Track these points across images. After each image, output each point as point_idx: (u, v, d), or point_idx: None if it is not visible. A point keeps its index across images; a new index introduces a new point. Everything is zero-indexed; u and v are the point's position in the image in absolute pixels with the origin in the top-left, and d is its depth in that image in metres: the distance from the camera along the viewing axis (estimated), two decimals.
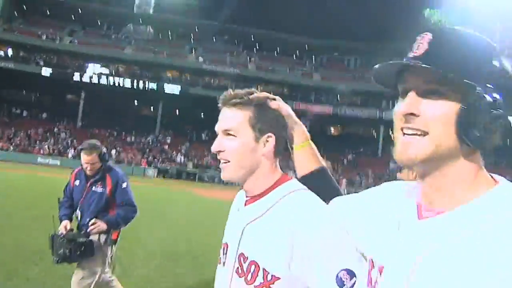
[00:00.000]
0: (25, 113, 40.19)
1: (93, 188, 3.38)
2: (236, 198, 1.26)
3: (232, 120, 1.11)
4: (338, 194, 1.17)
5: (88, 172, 3.37)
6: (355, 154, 41.82)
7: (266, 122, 1.12)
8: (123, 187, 3.41)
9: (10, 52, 38.59)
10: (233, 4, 40.31)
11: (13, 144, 34.48)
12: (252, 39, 45.17)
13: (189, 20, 43.43)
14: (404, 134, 0.74)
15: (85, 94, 39.65)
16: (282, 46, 45.87)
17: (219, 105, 1.15)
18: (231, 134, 1.11)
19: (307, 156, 1.21)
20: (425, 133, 0.72)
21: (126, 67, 40.53)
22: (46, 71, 38.06)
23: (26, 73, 37.54)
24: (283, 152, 1.19)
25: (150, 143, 39.43)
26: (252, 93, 1.14)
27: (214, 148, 1.13)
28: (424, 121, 0.72)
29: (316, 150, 1.25)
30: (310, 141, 1.24)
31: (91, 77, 38.74)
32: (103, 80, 38.90)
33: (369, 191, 1.01)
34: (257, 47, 45.66)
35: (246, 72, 41.61)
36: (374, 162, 39.75)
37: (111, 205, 3.41)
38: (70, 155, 32.94)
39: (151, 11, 43.68)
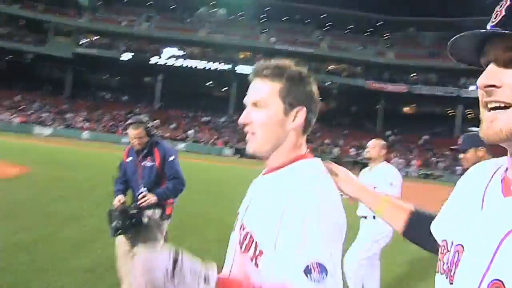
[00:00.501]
0: (108, 96, 44.60)
1: (143, 163, 3.61)
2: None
3: (261, 91, 1.12)
4: None
5: (136, 146, 3.60)
6: (430, 134, 42.44)
7: (297, 95, 1.12)
8: (170, 160, 3.60)
9: (95, 39, 42.78)
10: None
11: (100, 125, 38.67)
12: (324, 18, 46.63)
13: (260, 1, 45.60)
14: (489, 109, 0.71)
15: (162, 76, 43.31)
16: (355, 24, 47.04)
17: (250, 77, 1.17)
18: (259, 106, 1.12)
19: (391, 214, 1.23)
20: (510, 105, 0.69)
21: (200, 49, 43.53)
22: (126, 56, 41.97)
23: (109, 58, 41.69)
24: (310, 131, 1.18)
25: (225, 123, 42.46)
26: (285, 65, 1.15)
27: (241, 120, 1.15)
28: (507, 92, 0.69)
29: (394, 199, 1.27)
30: (385, 197, 1.27)
31: (167, 60, 42.15)
32: (179, 63, 42.17)
33: (460, 179, 0.94)
34: (329, 26, 47.10)
35: (319, 51, 43.35)
36: (451, 143, 40.23)
37: (162, 178, 3.62)
38: None
39: None
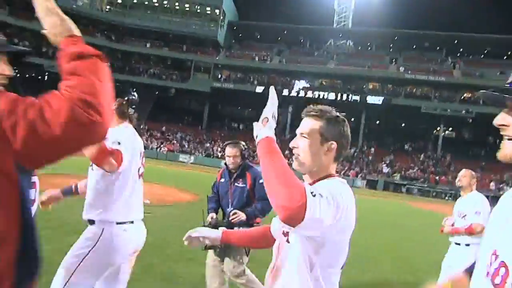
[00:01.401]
0: (241, 126, 51.67)
1: (235, 184, 4.26)
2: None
3: (307, 126, 1.75)
4: None
5: (230, 166, 4.27)
6: None
7: (332, 132, 1.73)
8: (260, 182, 4.10)
9: (230, 74, 50.50)
10: (428, 10, 45.53)
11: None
12: (456, 43, 49.23)
13: (387, 30, 49.98)
14: (503, 138, 1.20)
15: (292, 107, 49.10)
16: (491, 48, 48.81)
17: (302, 114, 1.81)
18: (304, 136, 1.74)
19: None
20: None
21: (330, 81, 48.76)
22: (259, 89, 48.68)
23: (242, 92, 48.73)
24: (342, 161, 1.82)
25: (354, 154, 46.55)
26: (326, 110, 1.77)
27: (291, 144, 1.77)
28: None
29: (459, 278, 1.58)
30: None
31: (298, 92, 47.92)
32: (309, 94, 47.66)
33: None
34: (462, 52, 49.50)
35: (451, 79, 45.91)
36: None
37: (251, 199, 4.23)
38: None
39: (349, 26, 51.65)
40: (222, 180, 4.41)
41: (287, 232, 1.73)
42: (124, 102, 3.12)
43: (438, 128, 48.36)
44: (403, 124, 49.66)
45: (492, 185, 39.14)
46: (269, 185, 1.49)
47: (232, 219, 4.13)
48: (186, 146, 46.29)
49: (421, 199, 34.81)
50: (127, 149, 2.91)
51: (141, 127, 48.17)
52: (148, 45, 51.17)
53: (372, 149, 47.44)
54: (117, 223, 2.94)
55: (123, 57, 51.13)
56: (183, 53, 51.43)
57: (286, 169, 1.50)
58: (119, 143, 2.83)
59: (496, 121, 1.24)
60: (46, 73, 47.23)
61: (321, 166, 1.75)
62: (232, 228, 3.91)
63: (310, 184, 1.68)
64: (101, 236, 2.90)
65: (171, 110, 52.37)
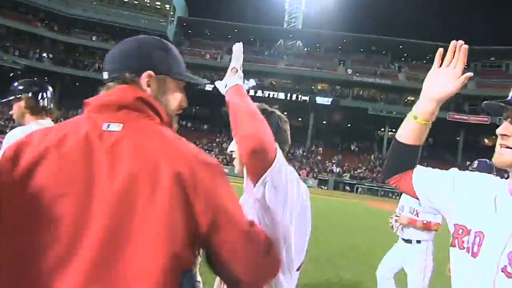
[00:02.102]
0: (189, 124, 51.17)
1: None
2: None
3: None
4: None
5: None
6: None
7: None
8: None
9: None
10: (376, 15, 47.34)
11: None
12: (400, 48, 51.47)
13: (336, 33, 51.36)
14: (500, 146, 1.34)
15: None
16: (432, 54, 51.03)
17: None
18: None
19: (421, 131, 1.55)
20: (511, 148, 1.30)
21: (279, 81, 49.41)
22: (209, 87, 48.42)
23: (192, 90, 48.24)
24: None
25: (303, 154, 47.50)
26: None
27: (228, 149, 1.81)
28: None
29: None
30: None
31: (247, 91, 48.05)
32: (259, 93, 48.01)
33: (462, 174, 1.51)
34: (406, 57, 51.86)
35: (397, 82, 47.98)
36: None
37: None
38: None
39: (300, 27, 52.54)
40: None
41: None
42: (30, 96, 3.04)
43: (383, 129, 50.25)
44: (349, 125, 51.13)
45: None
46: (240, 119, 1.38)
47: None
48: None
49: (371, 198, 36.15)
50: None
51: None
52: (94, 38, 49.33)
53: (320, 149, 48.54)
54: None
55: (66, 50, 49.06)
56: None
57: (258, 112, 1.41)
58: None
59: (499, 131, 1.35)
60: None
61: None
62: None
63: None
64: None
65: None
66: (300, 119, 52.58)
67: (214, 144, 48.20)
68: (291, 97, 47.67)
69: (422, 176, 1.56)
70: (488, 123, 46.28)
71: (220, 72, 50.33)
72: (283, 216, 1.39)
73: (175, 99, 1.37)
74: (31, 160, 1.06)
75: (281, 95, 47.84)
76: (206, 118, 53.24)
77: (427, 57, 52.96)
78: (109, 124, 1.12)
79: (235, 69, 1.61)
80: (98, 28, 49.84)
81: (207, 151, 47.00)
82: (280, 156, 1.34)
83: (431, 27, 49.98)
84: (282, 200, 1.38)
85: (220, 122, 51.32)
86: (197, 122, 52.56)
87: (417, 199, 1.56)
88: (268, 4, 56.88)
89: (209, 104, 52.52)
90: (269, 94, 48.37)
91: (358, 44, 52.53)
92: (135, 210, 1.00)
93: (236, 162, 1.74)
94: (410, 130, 1.58)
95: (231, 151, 1.75)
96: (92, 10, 49.01)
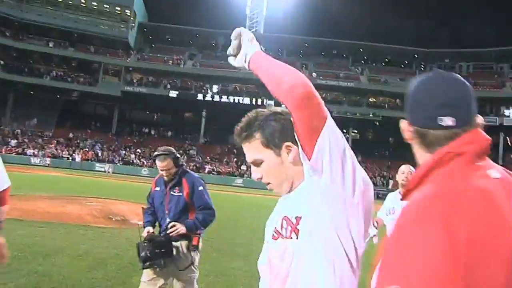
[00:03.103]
0: (152, 132, 50.66)
1: (172, 192, 3.96)
2: None
3: (251, 154, 1.49)
4: None
5: (165, 178, 3.98)
6: None
7: (275, 136, 1.45)
8: (199, 189, 3.96)
9: (143, 79, 49.39)
10: (338, 19, 48.87)
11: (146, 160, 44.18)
12: (361, 51, 53.27)
13: (298, 37, 52.50)
14: None
15: (206, 112, 49.33)
16: (391, 57, 53.56)
17: (237, 142, 1.53)
18: (258, 163, 1.48)
19: None
20: None
21: (243, 86, 49.82)
22: (172, 93, 48.26)
23: (154, 96, 47.91)
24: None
25: None
26: (250, 122, 1.49)
27: (253, 177, 1.53)
28: None
29: None
30: None
31: (212, 97, 48.29)
32: (224, 99, 48.25)
33: None
34: (366, 59, 53.73)
35: (360, 85, 49.54)
36: None
37: (190, 209, 3.96)
38: (206, 171, 41.94)
39: (261, 31, 53.24)
40: (157, 189, 4.08)
41: (291, 230, 1.39)
42: None
43: (345, 131, 51.54)
44: None
45: (391, 183, 43.20)
46: (278, 77, 1.33)
47: (170, 232, 3.79)
48: (100, 154, 44.16)
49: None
50: None
51: (45, 134, 45.17)
52: (51, 44, 47.97)
53: None
54: None
55: (20, 56, 47.38)
56: (91, 54, 49.10)
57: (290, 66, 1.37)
58: None
59: None
60: None
61: (298, 173, 1.43)
62: (170, 243, 3.78)
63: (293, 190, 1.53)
64: None
65: (77, 116, 49.73)
66: None
67: (181, 151, 47.87)
68: (256, 101, 48.13)
69: None
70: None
71: (183, 78, 50.30)
72: (343, 190, 1.31)
73: None
74: None
75: (247, 100, 48.23)
76: (169, 124, 52.90)
77: (386, 60, 55.11)
78: (492, 171, 1.10)
79: (251, 37, 1.57)
80: (54, 34, 48.50)
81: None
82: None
83: (388, 30, 51.90)
84: (346, 170, 1.30)
85: (183, 128, 51.15)
86: (160, 129, 52.09)
87: None
88: (229, 9, 57.38)
89: (171, 111, 52.34)
90: (234, 100, 48.67)
91: (320, 48, 53.89)
92: None
93: (270, 187, 1.51)
94: None
95: (267, 183, 1.51)
96: (47, 15, 47.73)
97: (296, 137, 1.36)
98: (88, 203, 12.94)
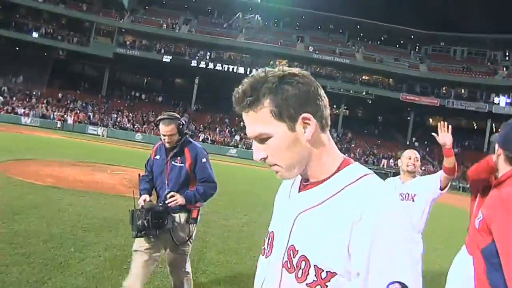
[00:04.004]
0: (143, 96, 50.22)
1: (173, 162, 3.77)
2: (284, 182, 1.30)
3: (255, 126, 1.11)
4: None
5: (166, 145, 3.76)
6: (460, 147, 48.68)
7: (291, 105, 1.09)
8: (202, 161, 3.79)
9: (136, 42, 48.53)
10: None
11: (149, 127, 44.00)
12: (358, 28, 53.28)
13: (295, 9, 52.14)
14: None
15: (199, 80, 49.03)
16: (387, 35, 53.76)
17: (236, 110, 1.15)
18: (263, 138, 1.12)
19: None
20: None
21: (238, 55, 49.49)
22: (166, 58, 47.68)
23: (147, 60, 47.30)
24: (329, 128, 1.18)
25: None
26: (258, 83, 1.10)
27: (255, 158, 1.15)
28: None
29: None
30: None
31: (206, 64, 47.93)
32: (218, 67, 47.94)
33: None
34: (362, 36, 53.85)
35: (355, 62, 49.80)
36: (479, 157, 46.57)
37: (191, 180, 3.80)
38: (200, 139, 42.11)
39: (258, 0, 52.61)
40: (158, 157, 3.91)
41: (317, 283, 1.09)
42: None
43: (336, 107, 52.06)
44: None
45: (384, 162, 44.15)
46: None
47: (169, 202, 3.66)
48: (92, 116, 43.72)
49: None
50: None
51: (34, 93, 44.27)
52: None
53: None
54: None
55: (4, 9, 45.46)
56: (83, 13, 47.84)
57: None
58: None
59: None
60: None
61: (319, 154, 1.16)
62: (169, 214, 3.63)
63: (315, 185, 1.17)
64: None
65: (66, 76, 48.86)
66: None
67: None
68: (251, 72, 47.49)
69: None
70: (438, 105, 49.70)
71: (177, 43, 49.65)
72: None
73: None
74: None
75: (241, 70, 48.07)
76: (160, 90, 52.54)
77: (382, 38, 55.29)
78: None
79: None
80: None
81: None
82: None
83: (387, 9, 51.97)
84: None
85: (174, 95, 50.83)
86: (151, 93, 51.63)
87: None
88: None
89: (163, 76, 51.79)
90: (228, 68, 48.43)
91: (317, 21, 53.77)
92: None
93: (275, 170, 1.17)
94: None
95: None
96: None
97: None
98: (114, 172, 13.12)
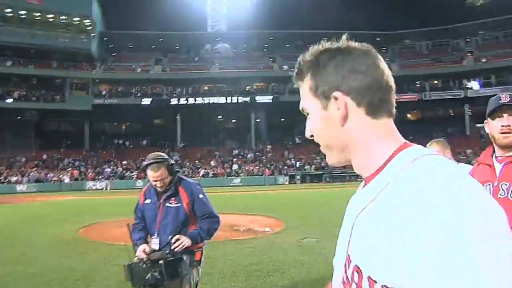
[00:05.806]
0: (127, 143, 50.41)
1: (167, 204, 3.59)
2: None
3: (301, 99, 1.05)
4: None
5: (159, 189, 3.59)
6: (444, 135, 50.92)
7: (325, 80, 0.99)
8: (200, 197, 3.63)
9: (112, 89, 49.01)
10: (296, 11, 50.74)
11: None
12: (325, 40, 55.17)
13: (262, 31, 54.19)
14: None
15: (181, 116, 49.73)
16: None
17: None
18: (305, 113, 1.05)
19: None
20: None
21: (214, 86, 50.59)
22: (145, 101, 48.26)
23: (127, 106, 47.74)
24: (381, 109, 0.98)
25: (255, 154, 49.09)
26: (313, 54, 1.08)
27: (305, 135, 1.08)
28: None
29: None
30: None
31: (186, 100, 48.75)
32: (199, 101, 48.88)
33: None
34: None
35: None
36: (465, 141, 48.49)
37: (190, 220, 3.63)
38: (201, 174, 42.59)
39: (224, 29, 54.31)
40: (148, 201, 3.73)
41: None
42: None
43: None
44: (282, 119, 53.49)
45: None
46: None
47: (175, 247, 3.44)
48: (85, 171, 43.61)
49: (341, 184, 37.75)
50: None
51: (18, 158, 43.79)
52: (8, 63, 46.25)
53: (268, 147, 50.42)
54: None
55: None
56: (54, 69, 48.04)
57: None
58: None
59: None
60: None
61: (361, 139, 0.97)
62: (181, 260, 3.43)
63: (374, 176, 0.94)
64: None
65: (46, 135, 48.64)
66: (234, 120, 54.14)
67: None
68: (231, 100, 49.12)
69: None
70: (416, 99, 51.82)
71: (153, 84, 50.42)
72: None
73: None
74: None
75: (222, 99, 49.13)
76: (140, 133, 53.01)
77: None
78: None
79: None
80: (8, 52, 46.65)
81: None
82: None
83: (350, 17, 54.55)
84: None
85: (157, 135, 51.17)
86: (134, 139, 51.82)
87: None
88: (189, 10, 57.97)
89: (140, 119, 52.16)
90: (208, 101, 49.24)
91: (284, 40, 56.03)
92: None
93: (324, 148, 1.04)
94: None
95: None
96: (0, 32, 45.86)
97: None
98: None
